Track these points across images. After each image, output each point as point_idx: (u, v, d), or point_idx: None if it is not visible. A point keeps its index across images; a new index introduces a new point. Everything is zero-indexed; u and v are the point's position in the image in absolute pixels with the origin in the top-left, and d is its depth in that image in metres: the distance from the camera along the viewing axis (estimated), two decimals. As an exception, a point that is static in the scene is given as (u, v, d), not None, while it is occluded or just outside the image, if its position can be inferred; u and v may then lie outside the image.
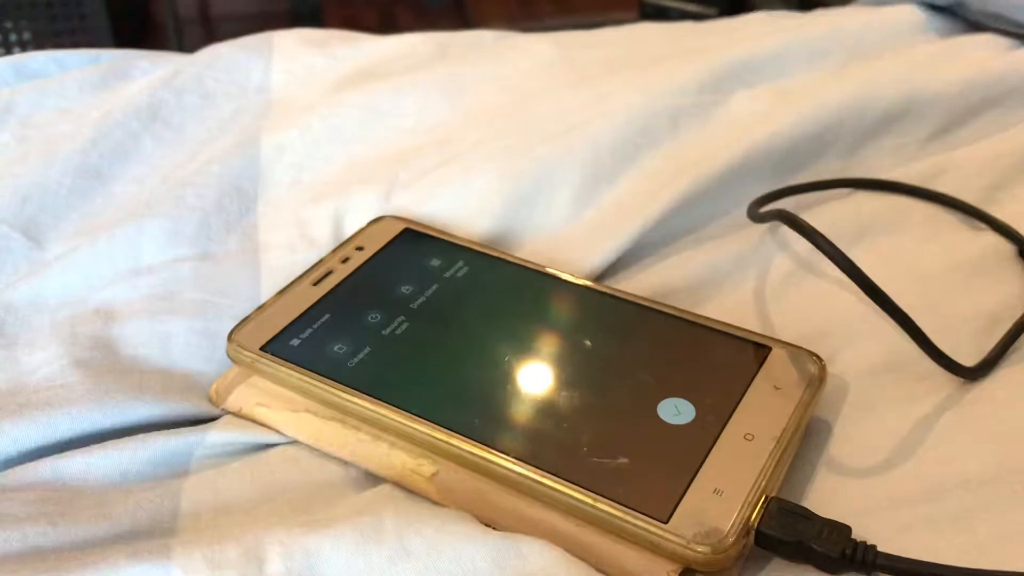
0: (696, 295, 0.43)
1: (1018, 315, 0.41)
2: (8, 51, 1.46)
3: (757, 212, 0.44)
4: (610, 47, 0.60)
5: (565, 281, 0.42)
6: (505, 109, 0.53)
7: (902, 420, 0.37)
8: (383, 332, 0.39)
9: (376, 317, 0.40)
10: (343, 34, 0.62)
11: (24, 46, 1.46)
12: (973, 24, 0.63)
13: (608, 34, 0.63)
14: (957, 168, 0.49)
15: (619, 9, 1.67)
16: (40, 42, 1.46)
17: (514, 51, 0.59)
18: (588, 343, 0.39)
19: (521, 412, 0.35)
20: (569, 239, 0.46)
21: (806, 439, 0.36)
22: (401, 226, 0.45)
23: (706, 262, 0.45)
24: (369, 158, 0.51)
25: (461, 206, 0.46)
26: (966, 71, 0.55)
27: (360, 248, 0.44)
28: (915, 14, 0.62)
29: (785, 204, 0.47)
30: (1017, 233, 0.45)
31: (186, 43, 1.61)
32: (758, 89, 0.54)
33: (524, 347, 0.38)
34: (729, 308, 0.42)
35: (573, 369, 0.37)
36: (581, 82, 0.55)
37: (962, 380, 0.38)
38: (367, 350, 0.38)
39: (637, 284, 0.44)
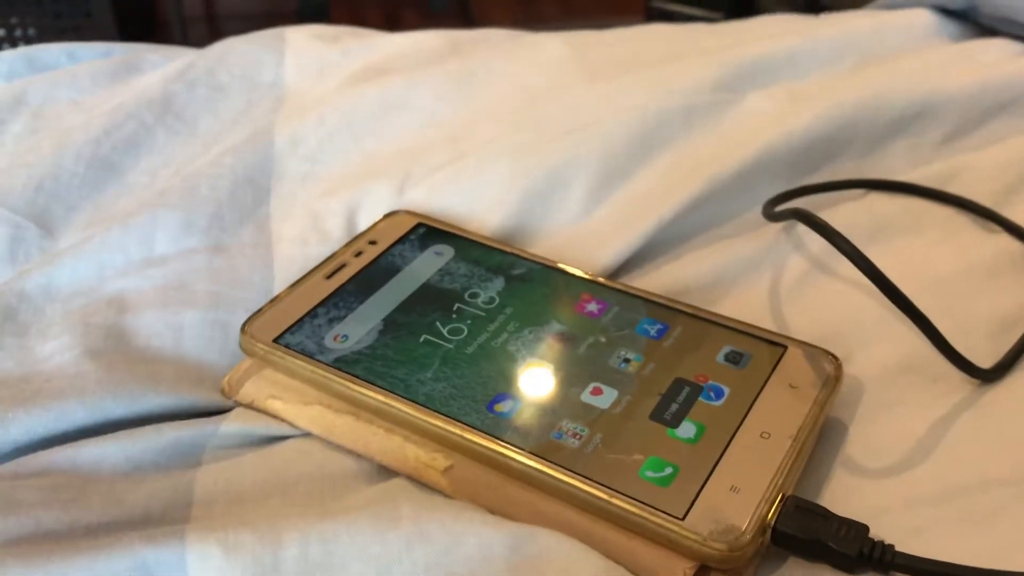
0: (711, 293, 0.43)
1: (1033, 317, 0.41)
2: (14, 47, 1.45)
3: (772, 211, 0.44)
4: (622, 46, 0.60)
5: (579, 278, 0.42)
6: (518, 105, 0.53)
7: (918, 421, 0.37)
8: (397, 326, 0.39)
9: (390, 311, 0.40)
10: (354, 30, 0.62)
11: (29, 42, 1.46)
12: (986, 29, 0.63)
13: (618, 34, 0.63)
14: (971, 170, 0.49)
15: (625, 13, 1.67)
16: (45, 39, 1.45)
17: (526, 48, 0.59)
18: (603, 339, 0.38)
19: (535, 407, 0.35)
20: (582, 236, 0.46)
21: (822, 439, 0.36)
22: (414, 221, 0.45)
23: (721, 261, 0.44)
24: (382, 152, 0.51)
25: (474, 201, 0.46)
26: (981, 74, 0.55)
27: (373, 242, 0.44)
28: (928, 18, 0.62)
29: (799, 204, 0.47)
30: (1032, 236, 0.45)
31: (191, 41, 1.61)
32: (772, 89, 0.54)
33: (539, 342, 0.38)
34: (744, 307, 0.42)
35: (587, 365, 0.37)
36: (594, 79, 0.55)
37: (978, 382, 0.38)
38: (380, 343, 0.38)
39: (651, 282, 0.44)
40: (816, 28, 0.61)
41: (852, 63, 0.58)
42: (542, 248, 0.45)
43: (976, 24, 0.64)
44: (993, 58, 0.58)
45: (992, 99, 0.54)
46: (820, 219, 0.39)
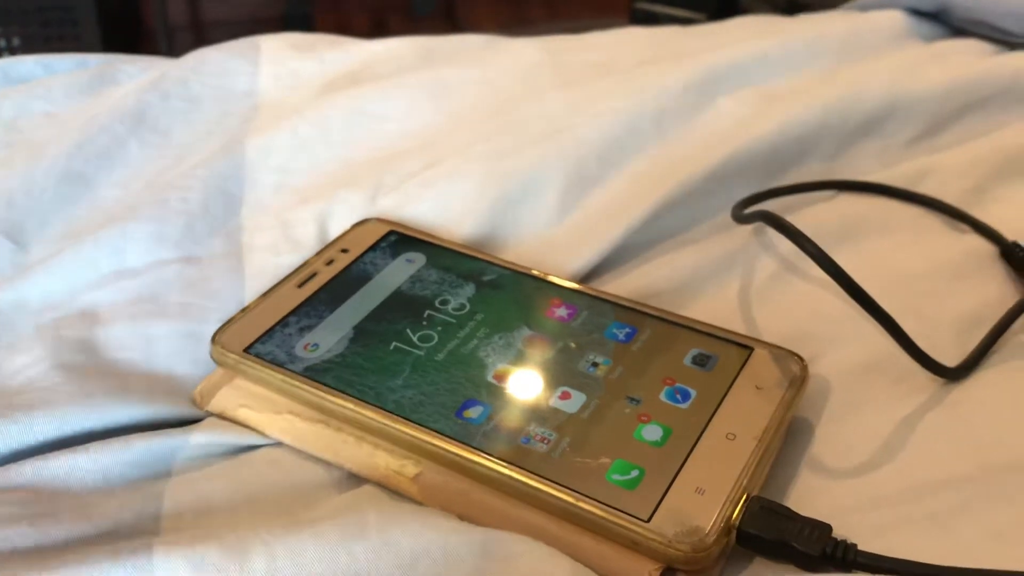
0: (680, 296, 0.43)
1: (1000, 316, 0.41)
2: (-2, 57, 1.45)
3: (741, 213, 0.44)
4: (596, 51, 0.61)
5: (550, 283, 0.42)
6: (490, 112, 0.54)
7: (884, 420, 0.37)
8: (367, 334, 0.39)
9: (360, 319, 0.40)
10: (330, 38, 0.62)
11: (14, 52, 1.46)
12: (957, 30, 0.64)
13: (594, 38, 0.63)
14: (940, 170, 0.50)
15: (610, 15, 1.68)
16: (31, 48, 1.46)
17: (500, 55, 0.59)
18: (572, 344, 0.39)
19: (504, 412, 0.35)
20: (554, 241, 0.46)
21: (788, 439, 0.36)
22: (386, 228, 0.45)
23: (690, 264, 0.45)
24: (354, 161, 0.51)
25: (446, 208, 0.47)
26: (950, 74, 0.55)
27: (345, 250, 0.44)
28: (900, 19, 0.63)
29: (769, 206, 0.47)
30: (999, 235, 0.45)
31: (176, 49, 1.61)
32: (743, 92, 0.54)
33: (509, 348, 0.38)
34: (713, 309, 0.42)
35: (556, 369, 0.37)
36: (567, 85, 0.56)
37: (944, 381, 0.38)
38: (351, 352, 0.38)
39: (622, 285, 0.44)
40: (789, 30, 0.61)
41: (824, 65, 0.58)
42: (514, 254, 0.45)
43: (948, 25, 0.64)
44: (963, 58, 0.58)
45: (961, 99, 0.54)
46: (786, 221, 0.39)
